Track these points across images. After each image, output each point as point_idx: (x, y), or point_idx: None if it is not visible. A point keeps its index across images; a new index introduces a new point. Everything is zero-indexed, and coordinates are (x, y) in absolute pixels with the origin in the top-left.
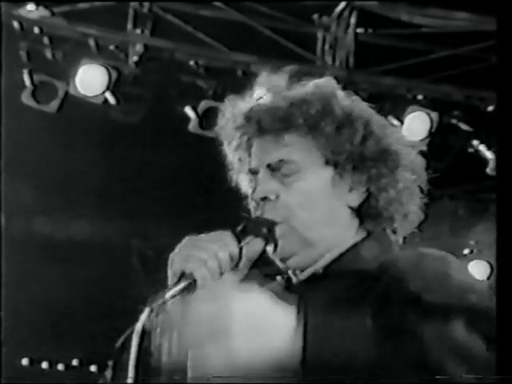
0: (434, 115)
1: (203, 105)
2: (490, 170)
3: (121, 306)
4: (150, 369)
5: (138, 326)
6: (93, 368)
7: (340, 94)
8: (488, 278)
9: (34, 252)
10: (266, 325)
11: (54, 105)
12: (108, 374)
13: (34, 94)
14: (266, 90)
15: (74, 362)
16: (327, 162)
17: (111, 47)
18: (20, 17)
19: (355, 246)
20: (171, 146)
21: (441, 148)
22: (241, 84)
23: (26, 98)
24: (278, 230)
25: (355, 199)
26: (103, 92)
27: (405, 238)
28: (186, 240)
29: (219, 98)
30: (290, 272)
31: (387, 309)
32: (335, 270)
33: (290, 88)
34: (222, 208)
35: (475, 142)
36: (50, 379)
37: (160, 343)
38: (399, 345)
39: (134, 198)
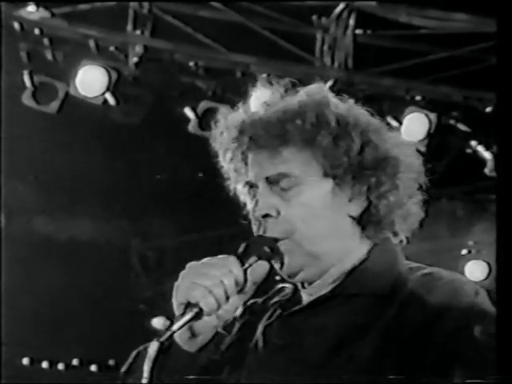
0: (433, 116)
1: (203, 105)
2: (488, 170)
3: (121, 306)
4: None
5: (150, 358)
6: (93, 368)
7: (333, 100)
8: (486, 278)
9: (35, 252)
10: None
11: (54, 105)
12: None
13: (34, 95)
14: (260, 100)
15: (75, 362)
16: (326, 174)
17: (111, 48)
18: (20, 18)
19: (362, 263)
20: (171, 147)
21: (439, 149)
22: (240, 85)
23: (26, 99)
24: (281, 247)
25: (356, 209)
26: (103, 93)
27: (407, 238)
28: (189, 267)
29: (219, 98)
30: (299, 287)
31: (399, 334)
32: (344, 290)
33: (283, 98)
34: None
35: (473, 143)
36: (50, 379)
37: None
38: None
39: (134, 198)
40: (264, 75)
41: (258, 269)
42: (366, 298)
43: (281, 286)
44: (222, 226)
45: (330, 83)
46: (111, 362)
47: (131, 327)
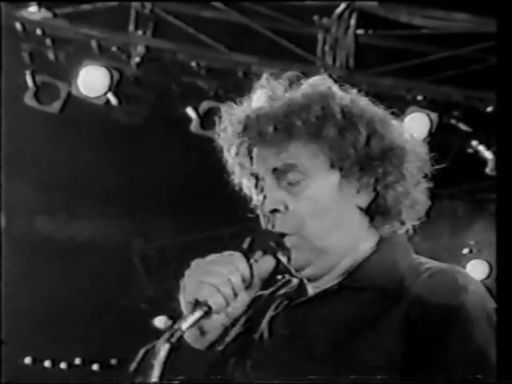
0: (434, 116)
1: (204, 105)
2: (489, 170)
3: (123, 306)
4: None
5: (159, 359)
6: (95, 367)
7: (337, 92)
8: (487, 278)
9: (37, 252)
10: None
11: (56, 105)
12: None
13: (36, 95)
14: (264, 94)
15: (77, 361)
16: (333, 166)
17: (113, 48)
18: (22, 18)
19: (370, 256)
20: (173, 147)
21: (440, 148)
22: (241, 85)
23: (28, 99)
24: (288, 242)
25: (364, 200)
26: (105, 93)
27: (413, 227)
28: (195, 265)
29: (220, 98)
30: (305, 281)
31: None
32: (352, 283)
33: (287, 91)
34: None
35: (474, 143)
36: (52, 378)
37: None
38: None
39: (136, 198)
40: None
41: (264, 264)
42: (373, 291)
43: (288, 278)
44: (224, 225)
45: None
46: (113, 362)
47: (133, 326)
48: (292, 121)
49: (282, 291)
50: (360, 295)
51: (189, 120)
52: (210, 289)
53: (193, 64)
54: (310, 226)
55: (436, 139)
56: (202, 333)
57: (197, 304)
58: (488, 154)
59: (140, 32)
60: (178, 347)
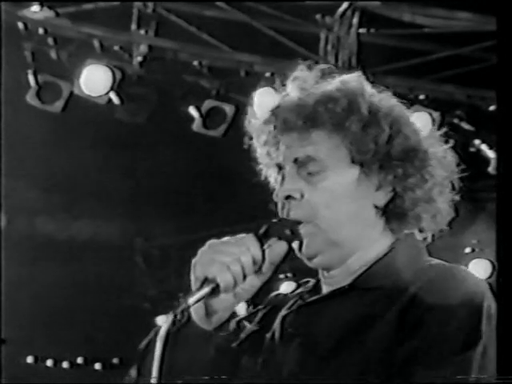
0: (436, 115)
1: (207, 104)
2: (491, 169)
3: (125, 304)
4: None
5: (163, 331)
6: (97, 366)
7: (368, 90)
8: (490, 277)
9: (38, 251)
10: None
11: (58, 105)
12: (133, 373)
13: (38, 94)
14: (297, 85)
15: (79, 360)
16: (353, 161)
17: (115, 48)
18: (25, 17)
19: (384, 256)
20: (175, 146)
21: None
22: (244, 84)
23: (30, 98)
24: (302, 230)
25: (381, 198)
26: (107, 92)
27: (433, 236)
28: (208, 245)
29: (223, 97)
30: (320, 274)
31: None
32: (364, 283)
33: (318, 84)
34: (227, 206)
35: (477, 142)
36: (54, 377)
37: None
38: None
39: (138, 197)
40: (267, 74)
41: (276, 249)
42: (383, 292)
43: (307, 279)
44: (227, 224)
45: None
46: (115, 361)
47: (135, 325)
48: (318, 109)
49: (298, 290)
50: (370, 296)
51: (191, 119)
52: (219, 266)
53: (195, 63)
54: (324, 217)
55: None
56: (210, 312)
57: (206, 281)
58: (490, 153)
59: (142, 31)
60: (185, 325)
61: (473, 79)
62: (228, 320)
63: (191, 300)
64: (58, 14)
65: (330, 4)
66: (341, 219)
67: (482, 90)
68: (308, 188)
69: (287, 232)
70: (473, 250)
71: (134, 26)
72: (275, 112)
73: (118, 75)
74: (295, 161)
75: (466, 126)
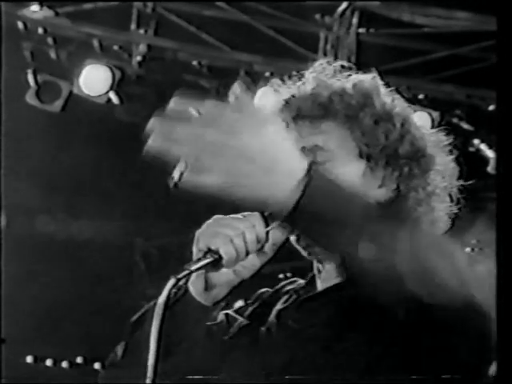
0: (436, 115)
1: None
2: (491, 168)
3: (125, 304)
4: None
5: (162, 297)
6: (97, 365)
7: (383, 91)
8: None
9: (38, 251)
10: (274, 163)
11: (57, 104)
12: (119, 350)
13: (38, 94)
14: (312, 77)
15: (79, 360)
16: (360, 155)
17: (115, 47)
18: (24, 17)
19: None
20: None
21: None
22: (243, 83)
23: (30, 98)
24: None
25: (383, 195)
26: (107, 92)
27: None
28: (214, 218)
29: (222, 97)
30: (315, 269)
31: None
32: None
33: (335, 77)
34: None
35: (476, 141)
36: (54, 377)
37: None
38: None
39: (138, 196)
40: (267, 74)
41: (280, 230)
42: (378, 287)
43: (294, 279)
44: None
45: None
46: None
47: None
48: (333, 99)
49: (288, 287)
50: (367, 290)
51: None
52: (223, 239)
53: (194, 63)
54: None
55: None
56: (208, 287)
57: (209, 251)
58: (490, 153)
59: (142, 31)
60: (183, 297)
61: (472, 79)
62: (226, 297)
63: (193, 267)
64: (57, 14)
65: (330, 4)
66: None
67: (482, 89)
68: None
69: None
70: (472, 250)
71: (133, 26)
72: (289, 101)
73: (118, 75)
74: (302, 149)
75: (465, 125)
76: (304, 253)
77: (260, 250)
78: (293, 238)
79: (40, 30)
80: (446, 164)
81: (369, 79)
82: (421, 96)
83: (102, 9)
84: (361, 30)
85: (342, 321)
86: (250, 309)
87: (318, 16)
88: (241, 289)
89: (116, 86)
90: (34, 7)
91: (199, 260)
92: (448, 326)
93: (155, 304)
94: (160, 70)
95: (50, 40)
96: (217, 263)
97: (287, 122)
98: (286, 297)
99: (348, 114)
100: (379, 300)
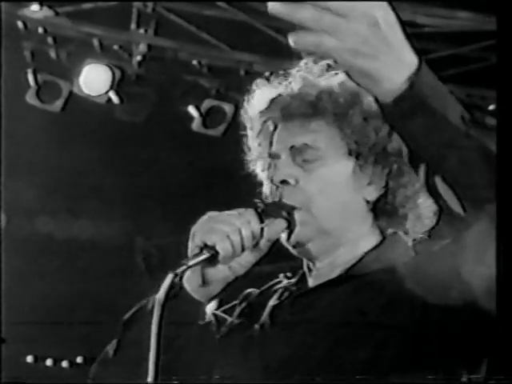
0: None
1: (206, 104)
2: None
3: (125, 304)
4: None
5: (161, 293)
6: None
7: None
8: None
9: (38, 251)
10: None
11: (58, 104)
12: (111, 349)
13: (38, 94)
14: (299, 76)
15: (79, 360)
16: (350, 153)
17: (115, 47)
18: (24, 17)
19: (371, 251)
20: (175, 145)
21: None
22: (243, 83)
23: (30, 98)
24: (296, 216)
25: (372, 193)
26: (107, 91)
27: (414, 240)
28: (208, 215)
29: (222, 97)
30: (305, 266)
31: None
32: (352, 275)
33: (321, 77)
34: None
35: None
36: (54, 376)
37: None
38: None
39: (138, 196)
40: (267, 73)
41: (275, 226)
42: (372, 283)
43: (279, 279)
44: None
45: None
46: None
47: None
48: (322, 97)
49: (277, 286)
50: (362, 282)
51: (191, 118)
52: (219, 234)
53: (194, 62)
54: (316, 204)
55: None
56: (204, 283)
57: (205, 247)
58: None
59: (142, 30)
60: (179, 294)
61: (473, 78)
62: (222, 291)
63: (190, 262)
64: (57, 14)
65: None
66: (333, 208)
67: (482, 89)
68: (303, 175)
69: (284, 214)
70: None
71: (133, 26)
72: (275, 101)
73: (118, 74)
74: (291, 148)
75: None
76: (293, 251)
77: (255, 247)
78: (283, 237)
79: (40, 30)
80: None
81: None
82: None
83: (101, 8)
84: None
85: (339, 316)
86: (238, 309)
87: None
88: (241, 289)
89: (116, 85)
90: (34, 7)
91: (196, 255)
92: (448, 327)
93: (148, 302)
94: (160, 70)
95: (50, 40)
96: (213, 259)
97: (275, 123)
98: (277, 294)
99: (336, 112)
100: (379, 298)
